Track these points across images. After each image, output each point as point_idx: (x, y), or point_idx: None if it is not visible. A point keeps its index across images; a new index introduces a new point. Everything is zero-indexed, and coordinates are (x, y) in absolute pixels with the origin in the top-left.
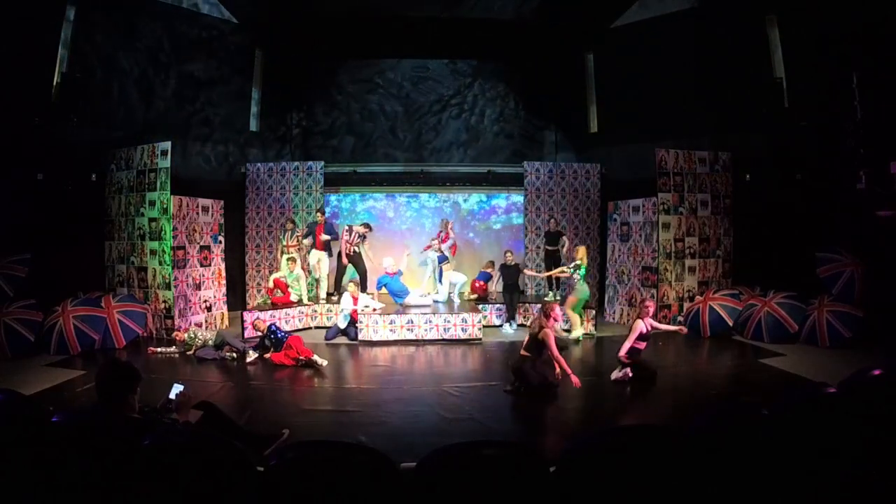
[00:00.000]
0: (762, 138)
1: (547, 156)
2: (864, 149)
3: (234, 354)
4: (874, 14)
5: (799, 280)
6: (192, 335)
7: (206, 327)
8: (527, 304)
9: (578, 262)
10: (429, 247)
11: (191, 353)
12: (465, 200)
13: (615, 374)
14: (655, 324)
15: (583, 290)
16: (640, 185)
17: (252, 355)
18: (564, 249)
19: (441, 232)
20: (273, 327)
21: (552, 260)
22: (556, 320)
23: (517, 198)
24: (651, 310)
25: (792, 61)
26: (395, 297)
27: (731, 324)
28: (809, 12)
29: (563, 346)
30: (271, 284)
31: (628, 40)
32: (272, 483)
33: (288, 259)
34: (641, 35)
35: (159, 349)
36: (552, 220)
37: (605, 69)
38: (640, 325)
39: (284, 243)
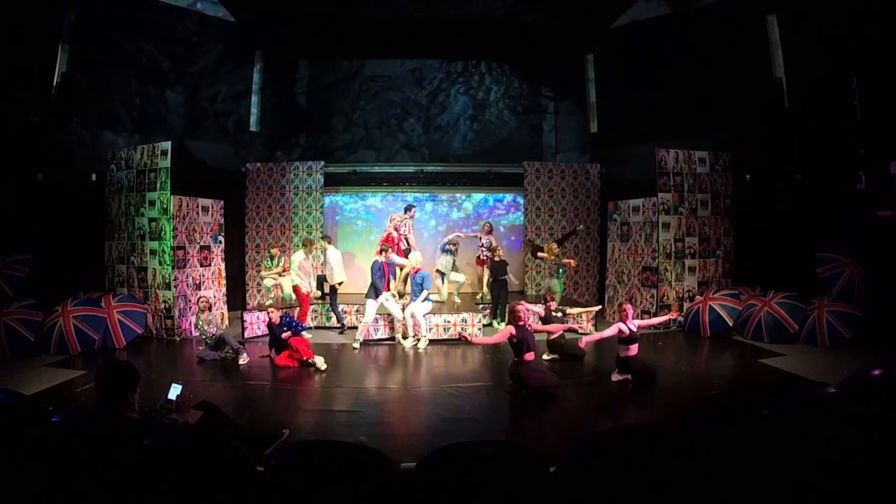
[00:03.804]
0: (762, 138)
1: (547, 156)
2: (864, 149)
3: (230, 352)
4: (874, 14)
5: (799, 280)
6: (201, 323)
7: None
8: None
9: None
10: (379, 252)
11: (203, 336)
12: (463, 201)
13: (615, 377)
14: (642, 323)
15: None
16: (640, 185)
17: (245, 358)
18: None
19: (390, 231)
20: (288, 320)
21: (499, 289)
22: (520, 318)
23: (517, 198)
24: (630, 313)
25: (792, 61)
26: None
27: (731, 324)
28: (809, 12)
29: (573, 353)
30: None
31: (628, 40)
32: (272, 483)
33: (271, 285)
34: (641, 35)
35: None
36: (497, 249)
37: (605, 69)
38: (619, 325)
39: (273, 270)
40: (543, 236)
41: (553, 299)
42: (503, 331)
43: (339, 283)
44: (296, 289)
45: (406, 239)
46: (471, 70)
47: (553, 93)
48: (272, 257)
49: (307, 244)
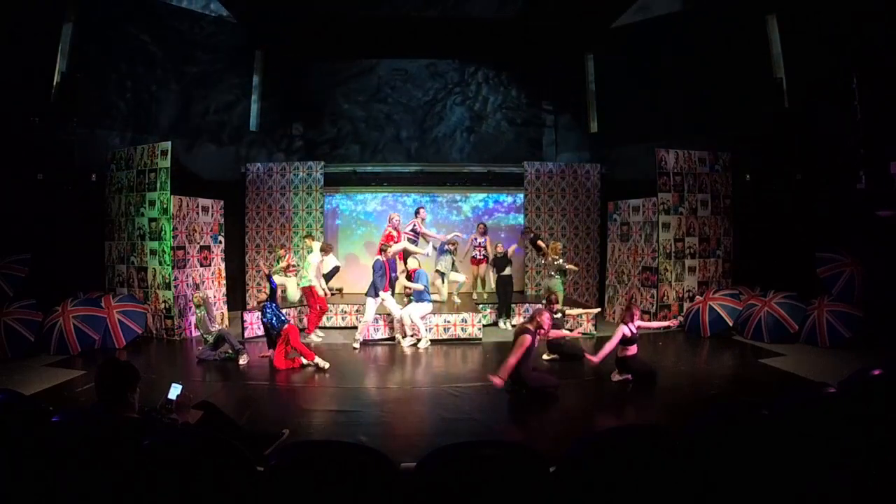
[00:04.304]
0: (762, 138)
1: (547, 156)
2: (864, 149)
3: (230, 352)
4: (874, 14)
5: (799, 280)
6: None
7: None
8: (527, 304)
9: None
10: (380, 252)
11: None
12: (463, 204)
13: (615, 377)
14: (644, 324)
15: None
16: (640, 185)
17: (245, 358)
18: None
19: (390, 231)
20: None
21: (504, 286)
22: (543, 327)
23: (518, 197)
24: (636, 314)
25: (792, 61)
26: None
27: (731, 324)
28: (809, 12)
29: (573, 352)
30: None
31: (628, 40)
32: (272, 483)
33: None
34: (641, 35)
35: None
36: (498, 244)
37: (605, 69)
38: (623, 329)
39: (279, 266)
40: (543, 236)
41: (556, 301)
42: (522, 345)
43: (336, 269)
44: (311, 290)
45: (416, 239)
46: (468, 80)
47: (552, 105)
48: (279, 258)
49: (325, 248)
